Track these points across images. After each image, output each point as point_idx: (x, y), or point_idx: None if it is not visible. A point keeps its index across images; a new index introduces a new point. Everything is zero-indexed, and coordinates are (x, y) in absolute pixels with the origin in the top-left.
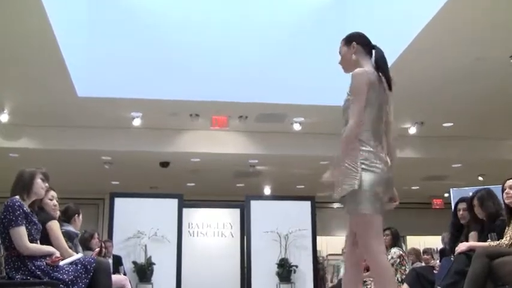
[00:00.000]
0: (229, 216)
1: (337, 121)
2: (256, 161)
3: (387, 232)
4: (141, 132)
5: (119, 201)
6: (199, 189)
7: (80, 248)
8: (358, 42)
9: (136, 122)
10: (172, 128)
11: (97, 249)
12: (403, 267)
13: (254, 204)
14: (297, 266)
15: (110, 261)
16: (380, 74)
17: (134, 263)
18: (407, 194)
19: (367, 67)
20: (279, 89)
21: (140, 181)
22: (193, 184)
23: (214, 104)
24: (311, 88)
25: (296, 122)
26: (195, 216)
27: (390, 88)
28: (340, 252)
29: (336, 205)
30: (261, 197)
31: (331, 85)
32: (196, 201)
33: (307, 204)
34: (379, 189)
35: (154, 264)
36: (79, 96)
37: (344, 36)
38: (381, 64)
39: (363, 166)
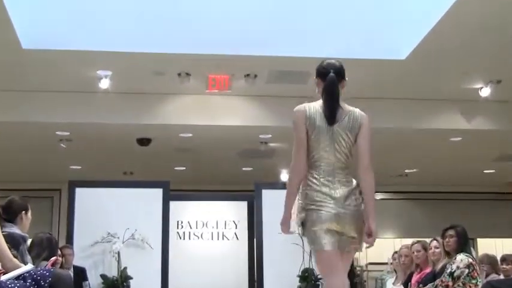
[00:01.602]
0: (233, 212)
1: (380, 80)
2: (269, 135)
3: (451, 232)
4: (110, 98)
5: (81, 193)
6: (192, 176)
7: (29, 257)
8: (316, 76)
9: (104, 84)
10: (154, 92)
11: (53, 258)
12: (474, 281)
13: (267, 195)
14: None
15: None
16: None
17: (103, 277)
18: (476, 181)
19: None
20: (298, 37)
21: (110, 165)
22: (183, 168)
23: (212, 58)
24: (342, 37)
25: None
26: (187, 212)
27: (329, 122)
28: (385, 260)
29: (379, 196)
30: (275, 184)
31: (370, 33)
32: (187, 191)
33: None
34: (325, 225)
35: (131, 278)
36: (24, 48)
37: None
38: (324, 94)
39: (303, 205)
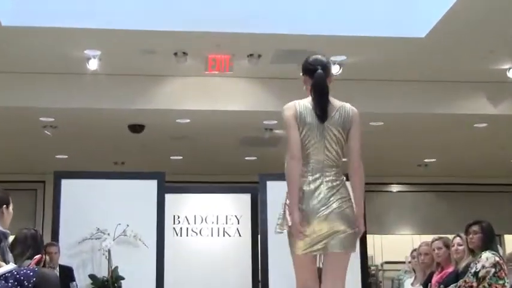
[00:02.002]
0: (235, 206)
1: (396, 60)
2: (275, 121)
3: (475, 228)
4: (100, 80)
5: (67, 185)
6: (190, 166)
7: (10, 255)
8: (303, 73)
9: (93, 65)
10: (147, 74)
11: (37, 257)
12: (501, 281)
13: (272, 187)
14: None
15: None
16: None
17: (92, 277)
18: (503, 172)
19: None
20: (307, 13)
21: (100, 154)
22: (179, 158)
23: (211, 36)
24: (354, 13)
25: (334, 63)
26: (184, 206)
27: (320, 119)
28: (403, 259)
29: (396, 188)
30: (281, 176)
31: (385, 8)
32: (185, 183)
33: None
34: (301, 227)
35: (122, 279)
36: (3, 25)
37: None
38: (314, 92)
39: (287, 206)
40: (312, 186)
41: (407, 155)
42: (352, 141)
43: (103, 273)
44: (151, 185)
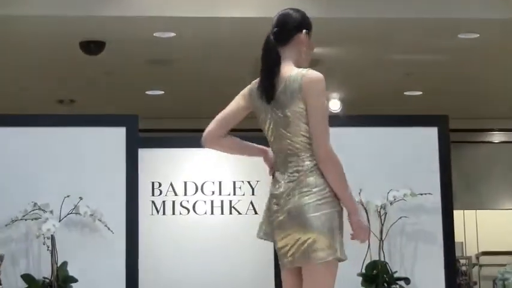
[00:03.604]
0: (246, 167)
1: None
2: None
3: None
4: None
5: None
6: (175, 106)
7: None
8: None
9: None
10: None
11: None
12: None
13: None
14: (408, 280)
15: None
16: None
17: (27, 278)
18: None
19: None
20: None
21: (37, 88)
22: (159, 93)
23: None
24: None
25: None
26: (168, 167)
27: (266, 100)
28: (509, 247)
29: (499, 137)
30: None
31: None
32: (168, 132)
33: (430, 135)
34: (265, 235)
35: (74, 281)
36: None
37: None
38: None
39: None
40: (272, 186)
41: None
42: (310, 122)
43: (44, 272)
44: (117, 134)
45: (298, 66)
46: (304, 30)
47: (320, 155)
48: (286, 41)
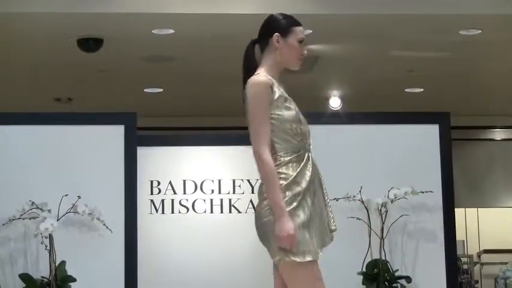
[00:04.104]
0: (246, 165)
1: None
2: (309, 31)
3: None
4: None
5: None
6: (174, 104)
7: None
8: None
9: None
10: None
11: None
12: None
13: None
14: (409, 279)
15: None
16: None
17: (24, 277)
18: None
19: None
20: None
21: (34, 86)
22: (158, 91)
23: None
24: None
25: None
26: (167, 165)
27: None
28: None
29: (501, 134)
30: (320, 115)
31: None
32: (168, 130)
33: (431, 132)
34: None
35: (73, 280)
36: None
37: None
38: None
39: None
40: None
41: None
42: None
43: (42, 271)
44: (116, 133)
45: (277, 69)
46: (274, 34)
47: (256, 156)
48: (263, 48)
